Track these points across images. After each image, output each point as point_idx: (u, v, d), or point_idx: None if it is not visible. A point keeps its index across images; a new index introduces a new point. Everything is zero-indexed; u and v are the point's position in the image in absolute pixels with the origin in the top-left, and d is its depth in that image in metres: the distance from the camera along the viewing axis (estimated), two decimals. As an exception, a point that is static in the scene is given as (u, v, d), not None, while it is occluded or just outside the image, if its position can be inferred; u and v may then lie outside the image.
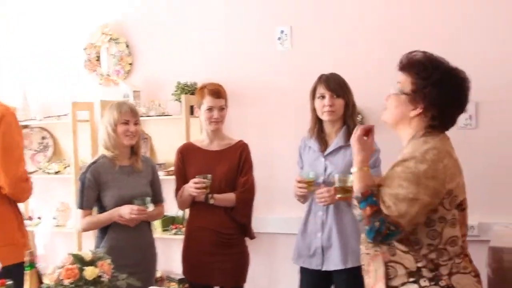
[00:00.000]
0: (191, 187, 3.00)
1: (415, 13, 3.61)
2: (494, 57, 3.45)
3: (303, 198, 2.98)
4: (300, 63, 3.83)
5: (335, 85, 2.88)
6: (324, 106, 2.88)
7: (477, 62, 3.40)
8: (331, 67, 3.65)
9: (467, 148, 3.35)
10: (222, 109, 3.12)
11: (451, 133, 3.43)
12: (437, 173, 1.92)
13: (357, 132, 2.07)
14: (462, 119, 3.42)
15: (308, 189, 2.82)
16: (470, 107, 3.35)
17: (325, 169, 2.89)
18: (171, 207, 3.52)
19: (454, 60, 2.08)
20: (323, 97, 2.89)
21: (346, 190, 2.45)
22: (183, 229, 3.86)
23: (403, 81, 2.07)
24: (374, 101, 3.04)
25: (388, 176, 1.97)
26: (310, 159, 2.97)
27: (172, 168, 3.94)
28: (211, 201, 3.04)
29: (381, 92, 3.12)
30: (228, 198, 3.08)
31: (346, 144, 2.84)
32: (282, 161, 3.85)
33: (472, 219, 3.09)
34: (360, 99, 3.03)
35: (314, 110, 2.95)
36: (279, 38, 3.87)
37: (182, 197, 3.10)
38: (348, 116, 2.91)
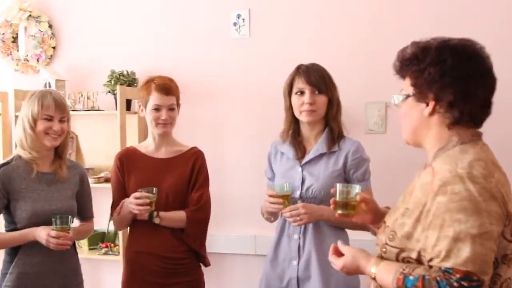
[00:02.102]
0: (132, 203, 2.45)
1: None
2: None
3: (273, 217, 2.51)
4: (260, 53, 3.34)
5: (317, 78, 2.42)
6: (303, 104, 2.42)
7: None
8: (298, 58, 3.19)
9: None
10: (172, 109, 2.59)
11: None
12: (493, 191, 1.48)
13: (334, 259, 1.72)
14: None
15: (284, 205, 2.33)
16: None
17: (303, 181, 2.43)
18: (99, 221, 2.98)
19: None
20: (302, 93, 2.43)
21: (349, 205, 1.91)
22: (116, 249, 3.33)
23: (405, 85, 1.69)
24: (350, 98, 2.69)
25: (428, 214, 1.51)
26: (283, 168, 2.50)
27: (103, 175, 3.41)
28: (156, 221, 2.51)
29: (358, 87, 2.78)
30: (177, 217, 2.56)
31: (329, 151, 2.41)
32: (236, 169, 3.37)
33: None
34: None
35: (290, 108, 2.49)
36: (234, 24, 3.36)
37: (121, 214, 2.55)
38: (332, 116, 2.46)
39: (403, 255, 1.56)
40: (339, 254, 1.72)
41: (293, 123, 2.50)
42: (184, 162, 2.62)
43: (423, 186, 1.59)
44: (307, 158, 2.45)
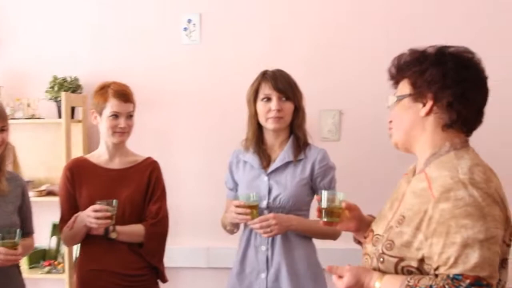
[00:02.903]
0: (90, 216, 2.31)
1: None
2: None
3: (236, 228, 2.44)
4: (212, 59, 3.26)
5: (284, 84, 2.37)
6: (269, 110, 2.35)
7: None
8: (250, 65, 3.16)
9: (405, 162, 3.12)
10: (130, 116, 2.46)
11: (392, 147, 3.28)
12: (494, 196, 1.49)
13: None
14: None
15: (251, 216, 2.26)
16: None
17: (270, 191, 2.36)
18: (39, 237, 2.80)
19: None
20: (268, 99, 2.37)
21: (334, 213, 1.85)
22: (61, 266, 3.14)
23: (400, 87, 1.69)
24: (308, 106, 2.65)
25: (430, 222, 1.49)
26: (248, 177, 2.43)
27: (44, 187, 3.22)
28: (113, 236, 2.36)
29: (312, 94, 2.76)
30: (135, 231, 2.42)
31: (296, 160, 2.37)
32: (186, 179, 3.26)
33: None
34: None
35: (254, 115, 2.42)
36: (185, 29, 3.26)
37: (74, 229, 2.38)
38: (297, 124, 2.41)
39: (403, 264, 1.53)
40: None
41: (257, 130, 2.43)
42: (140, 173, 2.50)
43: (418, 192, 1.57)
44: (273, 166, 2.39)
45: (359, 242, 1.92)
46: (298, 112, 2.40)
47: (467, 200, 1.45)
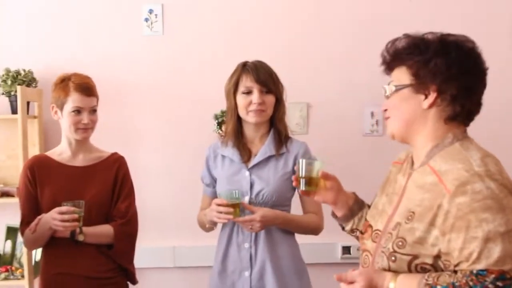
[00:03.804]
0: (56, 219, 2.17)
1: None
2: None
3: (215, 225, 2.36)
4: (175, 51, 3.14)
5: (266, 77, 2.29)
6: (250, 103, 2.28)
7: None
8: (215, 57, 3.13)
9: (373, 155, 3.12)
10: (94, 111, 2.34)
11: (357, 141, 3.25)
12: (509, 187, 1.45)
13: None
14: (368, 125, 3.17)
15: (234, 215, 2.18)
16: (378, 112, 3.12)
17: (252, 186, 2.29)
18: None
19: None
20: (249, 92, 2.29)
21: (312, 181, 1.82)
22: (19, 272, 2.97)
23: (397, 75, 1.62)
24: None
25: (447, 217, 1.44)
26: (228, 172, 2.35)
27: (-3, 188, 3.04)
28: (80, 238, 2.24)
29: (290, 87, 2.72)
30: (103, 232, 2.31)
31: (278, 154, 2.31)
32: (150, 176, 3.13)
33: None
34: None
35: (234, 108, 2.34)
36: (146, 20, 3.13)
37: (37, 232, 2.24)
38: (279, 118, 2.35)
39: (417, 261, 1.48)
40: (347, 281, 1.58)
41: (237, 124, 2.35)
42: (106, 169, 2.38)
43: (426, 187, 1.52)
44: (255, 160, 2.32)
45: (336, 216, 1.88)
46: (279, 105, 2.34)
47: (485, 193, 1.41)
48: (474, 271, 1.38)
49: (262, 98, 2.27)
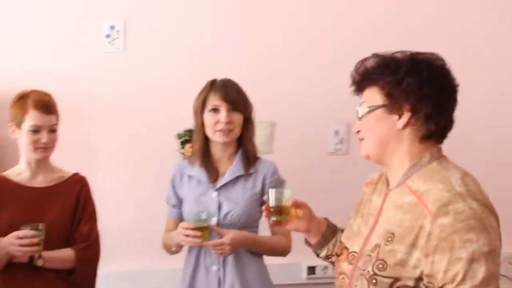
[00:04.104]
0: (14, 244, 2.06)
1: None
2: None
3: (180, 248, 2.29)
4: (137, 69, 3.07)
5: (234, 95, 2.26)
6: (218, 122, 2.23)
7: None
8: (181, 74, 3.07)
9: (338, 174, 3.11)
10: (53, 130, 2.25)
11: (320, 160, 3.24)
12: (489, 206, 1.45)
13: None
14: (332, 143, 3.18)
15: (202, 238, 2.13)
16: (342, 131, 3.14)
17: (219, 207, 2.24)
18: None
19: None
20: (217, 110, 2.25)
21: (283, 211, 1.79)
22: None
23: (369, 96, 1.61)
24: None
25: (430, 238, 1.42)
26: (195, 193, 2.30)
27: None
28: (39, 263, 2.13)
29: (254, 106, 2.70)
30: (64, 256, 2.21)
31: (246, 174, 2.27)
32: (110, 197, 3.01)
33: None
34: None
35: (201, 127, 2.30)
36: (108, 36, 3.05)
37: None
38: (247, 137, 2.31)
39: (398, 284, 1.46)
40: None
41: (204, 143, 2.31)
42: (68, 191, 2.28)
43: (405, 207, 1.50)
44: (223, 181, 2.27)
45: (309, 244, 1.85)
46: (248, 124, 2.30)
47: (467, 213, 1.40)
48: None
49: (230, 117, 2.23)
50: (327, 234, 1.82)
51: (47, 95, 2.28)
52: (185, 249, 2.41)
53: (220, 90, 2.26)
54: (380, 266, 1.48)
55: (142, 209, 3.02)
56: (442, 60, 1.60)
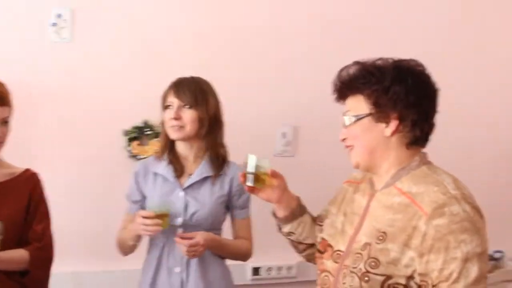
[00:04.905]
0: None
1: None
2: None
3: (138, 242, 2.23)
4: (84, 61, 2.93)
5: (187, 91, 2.23)
6: (169, 119, 2.21)
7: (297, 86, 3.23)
8: (131, 66, 2.99)
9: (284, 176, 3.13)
10: (5, 122, 2.13)
11: (272, 160, 3.25)
12: (479, 210, 1.55)
13: None
14: (279, 145, 3.20)
15: (163, 226, 2.08)
16: (289, 133, 3.17)
17: (186, 207, 2.21)
18: None
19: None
20: (169, 106, 2.24)
21: (259, 179, 1.80)
22: None
23: (353, 104, 1.67)
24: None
25: (425, 238, 1.48)
26: (161, 191, 2.26)
27: None
28: None
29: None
30: (17, 257, 2.08)
31: (215, 175, 2.26)
32: (53, 195, 2.83)
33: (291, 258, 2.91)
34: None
35: (163, 124, 2.27)
36: (54, 24, 2.89)
37: None
38: (214, 138, 2.29)
39: (390, 282, 1.52)
40: None
41: (168, 140, 2.28)
42: (19, 187, 2.16)
43: (396, 208, 1.56)
44: (190, 181, 2.25)
45: (276, 216, 1.89)
46: (215, 123, 2.27)
47: (462, 215, 1.48)
48: None
49: (179, 113, 2.20)
50: (296, 212, 1.87)
51: (0, 85, 2.14)
52: (142, 249, 2.35)
53: (175, 87, 2.25)
54: (373, 264, 1.54)
55: (86, 209, 2.91)
56: (422, 66, 1.68)
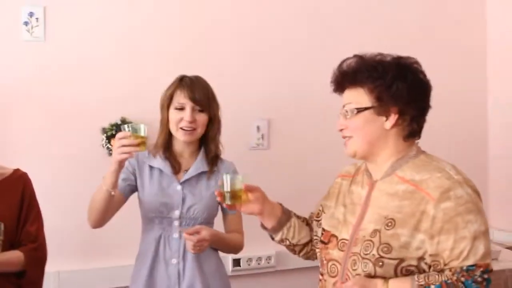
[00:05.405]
0: None
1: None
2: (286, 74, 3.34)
3: (115, 189, 2.11)
4: (57, 60, 2.90)
5: (201, 94, 2.25)
6: (181, 120, 2.23)
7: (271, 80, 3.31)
8: (107, 67, 3.01)
9: (258, 168, 3.20)
10: None
11: (244, 154, 3.29)
12: (479, 193, 1.67)
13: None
14: (254, 138, 3.25)
15: (140, 149, 1.99)
16: (263, 126, 3.23)
17: (183, 201, 2.24)
18: None
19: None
20: (182, 108, 2.24)
21: (236, 195, 1.85)
22: None
23: (355, 97, 1.75)
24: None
25: (434, 221, 1.59)
26: (159, 184, 2.27)
27: None
28: None
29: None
30: (11, 259, 2.09)
31: (210, 171, 2.31)
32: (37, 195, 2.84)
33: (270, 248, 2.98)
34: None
35: (166, 123, 2.28)
36: (26, 23, 2.86)
37: None
38: (211, 136, 2.32)
39: (403, 265, 1.61)
40: None
41: (168, 137, 2.30)
42: (11, 188, 2.15)
43: (401, 195, 1.66)
44: (188, 175, 2.28)
45: (265, 228, 1.95)
46: (213, 123, 2.31)
47: (466, 197, 1.60)
48: (465, 268, 1.57)
49: (194, 116, 2.24)
50: (282, 219, 1.93)
51: None
52: (134, 244, 2.35)
53: (188, 88, 2.25)
54: (385, 249, 1.63)
55: (61, 208, 2.86)
56: (418, 63, 1.79)
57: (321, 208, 1.96)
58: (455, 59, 3.73)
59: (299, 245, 1.96)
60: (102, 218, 2.19)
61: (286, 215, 1.94)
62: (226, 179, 1.83)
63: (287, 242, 1.95)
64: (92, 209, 2.18)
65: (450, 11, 3.75)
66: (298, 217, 1.99)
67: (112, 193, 2.10)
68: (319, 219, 1.95)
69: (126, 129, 2.01)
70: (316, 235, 1.94)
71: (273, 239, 1.98)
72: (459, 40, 3.75)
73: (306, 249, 1.98)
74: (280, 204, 1.96)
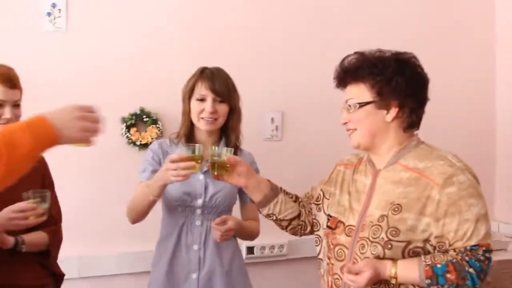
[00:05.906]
0: (18, 218, 1.99)
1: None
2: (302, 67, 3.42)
3: (153, 203, 2.21)
4: (79, 50, 2.98)
5: (221, 86, 2.32)
6: (203, 111, 2.30)
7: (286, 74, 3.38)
8: (126, 57, 3.07)
9: (272, 159, 3.27)
10: (17, 105, 2.20)
11: (258, 145, 3.36)
12: (477, 178, 1.80)
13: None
14: (268, 130, 3.31)
15: (195, 170, 2.05)
16: (277, 118, 3.29)
17: (206, 190, 2.32)
18: None
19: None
20: (203, 99, 2.31)
21: (221, 167, 1.97)
22: None
23: (356, 92, 1.87)
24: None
25: (439, 205, 1.71)
26: None
27: None
28: (23, 249, 2.10)
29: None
30: (39, 240, 2.19)
31: None
32: (58, 183, 2.89)
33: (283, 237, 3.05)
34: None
35: (188, 113, 2.37)
36: (49, 14, 2.94)
37: None
38: (232, 126, 2.40)
39: (410, 246, 1.73)
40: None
41: (190, 127, 2.38)
42: (32, 171, 2.14)
43: (405, 182, 1.77)
44: None
45: (253, 201, 2.07)
46: (234, 114, 2.39)
47: (467, 183, 1.73)
48: (468, 247, 1.69)
49: (215, 107, 2.31)
50: (269, 195, 2.04)
51: (10, 69, 2.21)
52: (154, 230, 2.43)
53: (209, 80, 2.31)
54: (394, 232, 1.74)
55: (89, 193, 2.96)
56: (416, 58, 1.90)
57: (321, 193, 2.06)
58: (464, 54, 3.79)
59: (285, 220, 2.06)
60: (143, 217, 2.31)
61: (273, 192, 2.04)
62: (214, 150, 1.97)
63: (274, 217, 2.06)
64: (134, 210, 2.28)
65: (458, 4, 3.82)
66: (287, 193, 2.09)
67: (156, 199, 2.21)
68: (319, 203, 2.06)
69: (184, 150, 2.08)
70: (315, 219, 2.05)
71: (260, 213, 2.10)
72: (467, 35, 3.81)
73: (292, 224, 2.08)
74: (269, 181, 2.06)
